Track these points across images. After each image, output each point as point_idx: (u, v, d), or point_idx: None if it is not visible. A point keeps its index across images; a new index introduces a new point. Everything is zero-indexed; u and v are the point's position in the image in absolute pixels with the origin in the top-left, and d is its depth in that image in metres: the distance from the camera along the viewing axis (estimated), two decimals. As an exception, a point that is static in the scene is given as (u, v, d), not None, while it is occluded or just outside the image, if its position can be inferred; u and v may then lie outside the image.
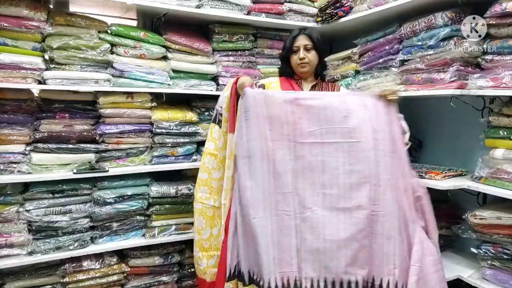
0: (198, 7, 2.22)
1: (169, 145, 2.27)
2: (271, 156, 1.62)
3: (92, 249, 2.09)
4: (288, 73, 2.03)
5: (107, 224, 2.15)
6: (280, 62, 2.12)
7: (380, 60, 2.18)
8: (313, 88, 1.99)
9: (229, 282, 1.68)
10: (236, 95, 1.76)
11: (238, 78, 1.77)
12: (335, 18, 2.41)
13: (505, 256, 1.65)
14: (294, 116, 1.64)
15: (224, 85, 2.36)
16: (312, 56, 1.94)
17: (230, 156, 1.77)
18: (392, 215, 1.58)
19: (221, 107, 1.84)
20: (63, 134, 2.02)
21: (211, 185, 1.88)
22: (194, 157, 2.36)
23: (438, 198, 2.11)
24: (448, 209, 2.09)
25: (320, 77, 2.07)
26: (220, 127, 1.85)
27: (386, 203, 1.58)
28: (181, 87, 2.29)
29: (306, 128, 1.64)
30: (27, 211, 1.94)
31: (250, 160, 1.62)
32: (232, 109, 1.77)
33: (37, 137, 1.97)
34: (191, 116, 2.30)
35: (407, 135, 1.71)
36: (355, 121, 1.63)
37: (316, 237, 1.59)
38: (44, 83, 1.95)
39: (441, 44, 1.83)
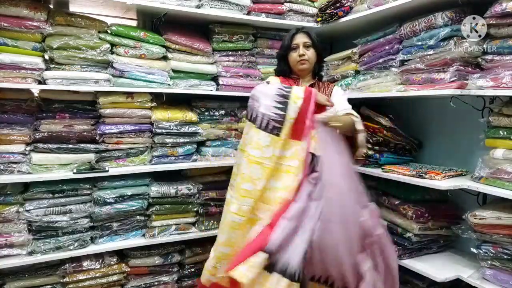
0: (198, 7, 2.22)
1: (169, 145, 2.27)
2: None
3: (92, 249, 2.09)
4: (285, 73, 2.02)
5: (107, 224, 2.15)
6: (276, 62, 2.11)
7: (380, 60, 2.18)
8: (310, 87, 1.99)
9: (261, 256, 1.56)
10: (317, 107, 1.74)
11: (311, 92, 1.74)
12: (335, 18, 2.41)
13: (505, 256, 1.65)
14: None
15: (225, 85, 2.37)
16: (311, 53, 1.94)
17: (300, 164, 1.71)
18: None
19: (278, 114, 1.71)
20: (63, 134, 2.02)
21: (256, 196, 1.72)
22: (194, 157, 2.36)
23: (438, 198, 2.12)
24: (448, 209, 2.09)
25: (318, 77, 2.07)
26: (276, 135, 1.71)
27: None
28: (181, 87, 2.29)
29: None
30: (27, 211, 1.94)
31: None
32: (311, 118, 1.72)
33: (37, 137, 1.97)
34: (191, 116, 2.30)
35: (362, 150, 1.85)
36: None
37: None
38: (44, 83, 1.95)
39: (441, 44, 1.83)
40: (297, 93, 1.74)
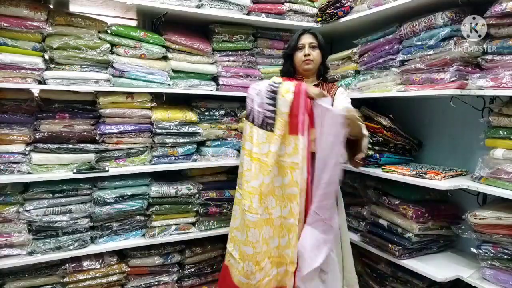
0: (198, 7, 2.22)
1: (169, 145, 2.27)
2: None
3: (92, 249, 2.09)
4: (290, 72, 2.03)
5: (107, 224, 2.15)
6: (282, 62, 2.12)
7: (380, 60, 2.18)
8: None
9: None
10: (309, 99, 1.74)
11: (301, 85, 1.75)
12: (335, 18, 2.41)
13: (505, 256, 1.65)
14: None
15: (225, 85, 2.37)
16: (316, 54, 1.95)
17: (303, 160, 1.72)
18: None
19: (270, 110, 1.76)
20: (63, 134, 2.02)
21: (260, 192, 1.77)
22: (194, 157, 2.35)
23: (438, 198, 2.12)
24: (448, 209, 2.09)
25: (322, 78, 2.08)
26: (270, 131, 1.76)
27: None
28: (181, 87, 2.29)
29: None
30: (27, 211, 1.94)
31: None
32: (308, 111, 1.73)
33: (37, 137, 1.97)
34: (191, 116, 2.30)
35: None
36: None
37: None
38: (44, 83, 1.95)
39: (441, 44, 1.83)
40: (287, 87, 1.76)
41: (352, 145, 1.82)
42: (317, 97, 1.73)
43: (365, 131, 1.79)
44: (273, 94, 1.76)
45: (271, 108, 1.76)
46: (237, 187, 1.94)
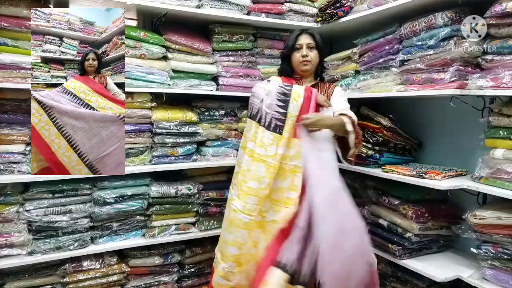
0: (198, 7, 2.22)
1: (169, 145, 2.27)
2: None
3: (92, 249, 2.10)
4: (287, 73, 2.03)
5: (107, 224, 2.15)
6: (280, 62, 2.12)
7: (380, 60, 2.18)
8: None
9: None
10: (317, 106, 1.76)
11: (312, 90, 1.78)
12: (335, 18, 2.41)
13: (505, 256, 1.65)
14: None
15: (225, 85, 2.37)
16: (314, 55, 1.95)
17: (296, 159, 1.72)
18: None
19: (280, 112, 1.73)
20: (63, 134, 2.02)
21: (260, 194, 1.72)
22: (194, 157, 2.36)
23: (438, 198, 2.12)
24: (448, 209, 2.09)
25: (320, 78, 2.08)
26: (279, 133, 1.73)
27: None
28: (181, 87, 2.29)
29: None
30: (27, 211, 1.94)
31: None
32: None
33: (37, 137, 1.97)
34: (191, 116, 2.30)
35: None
36: None
37: None
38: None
39: (441, 44, 1.83)
40: (298, 91, 1.76)
41: (343, 143, 1.83)
42: (323, 104, 1.77)
43: (349, 127, 1.75)
44: (284, 97, 1.75)
45: (282, 110, 1.73)
46: (231, 187, 1.93)
